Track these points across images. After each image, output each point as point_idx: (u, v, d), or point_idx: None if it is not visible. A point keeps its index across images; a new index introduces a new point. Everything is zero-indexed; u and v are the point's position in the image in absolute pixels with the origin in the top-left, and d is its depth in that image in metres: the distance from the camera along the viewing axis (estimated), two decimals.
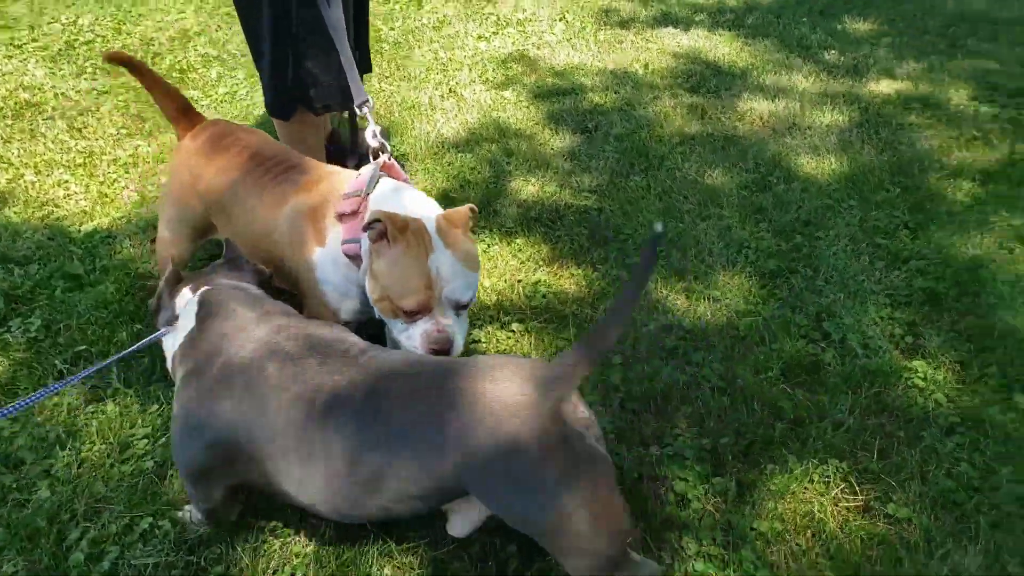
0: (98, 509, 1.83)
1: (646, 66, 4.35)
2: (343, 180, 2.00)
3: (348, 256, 1.88)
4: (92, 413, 2.08)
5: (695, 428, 2.12)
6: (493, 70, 4.30)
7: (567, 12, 5.13)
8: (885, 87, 4.07)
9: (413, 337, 1.78)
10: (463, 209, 1.81)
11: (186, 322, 1.70)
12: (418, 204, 1.87)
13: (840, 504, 1.92)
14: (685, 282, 2.67)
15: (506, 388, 1.37)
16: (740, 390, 2.22)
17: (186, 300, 1.76)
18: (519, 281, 2.68)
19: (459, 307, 1.79)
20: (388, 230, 1.72)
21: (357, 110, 2.20)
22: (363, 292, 1.91)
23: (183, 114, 2.27)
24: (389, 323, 1.85)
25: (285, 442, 1.47)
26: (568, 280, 2.69)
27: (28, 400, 1.53)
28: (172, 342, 1.72)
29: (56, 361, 2.20)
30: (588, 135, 3.64)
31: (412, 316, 1.76)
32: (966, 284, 2.62)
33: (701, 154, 3.45)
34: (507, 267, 2.73)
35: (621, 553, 1.47)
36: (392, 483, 1.41)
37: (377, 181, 1.93)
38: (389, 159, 2.05)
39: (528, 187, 3.20)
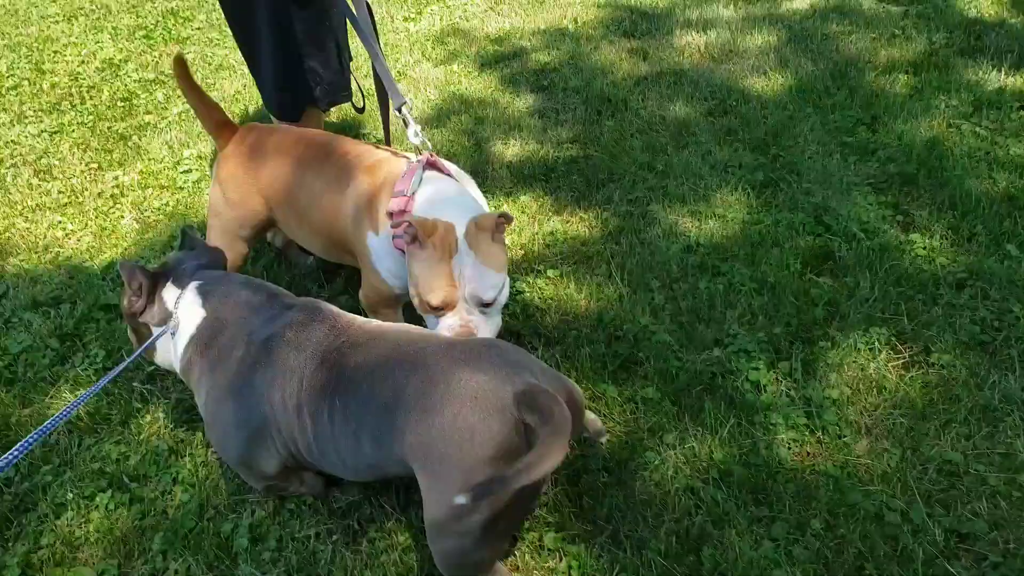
0: (239, 500, 1.90)
1: (575, 20, 4.53)
2: (399, 166, 2.09)
3: (398, 249, 2.00)
4: (188, 423, 2.12)
5: (746, 326, 2.34)
6: (432, 48, 4.39)
7: None
8: (799, 4, 4.40)
9: (441, 331, 1.88)
10: (492, 215, 1.91)
11: (191, 315, 1.75)
12: (456, 206, 1.95)
13: (891, 364, 2.18)
14: (689, 205, 2.88)
15: (500, 387, 1.43)
16: (772, 287, 2.46)
17: (176, 296, 1.79)
18: (535, 233, 2.83)
19: (483, 305, 1.89)
20: (419, 234, 1.85)
21: (396, 112, 2.26)
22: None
23: (225, 125, 2.31)
24: (424, 317, 1.98)
25: (299, 403, 1.60)
26: (581, 224, 2.86)
27: (39, 432, 1.45)
28: (182, 336, 1.76)
29: (135, 384, 2.22)
30: (547, 92, 3.80)
31: (438, 311, 1.88)
32: (930, 163, 2.94)
33: (659, 91, 3.67)
34: (520, 223, 2.86)
35: (488, 564, 1.61)
36: (371, 450, 1.54)
37: (421, 179, 2.02)
38: (432, 155, 2.12)
39: (510, 149, 3.34)
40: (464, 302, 1.87)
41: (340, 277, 2.70)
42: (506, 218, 1.91)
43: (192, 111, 2.38)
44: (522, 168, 3.20)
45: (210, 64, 4.52)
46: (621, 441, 2.03)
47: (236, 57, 4.44)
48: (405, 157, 2.16)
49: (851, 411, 2.06)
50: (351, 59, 2.89)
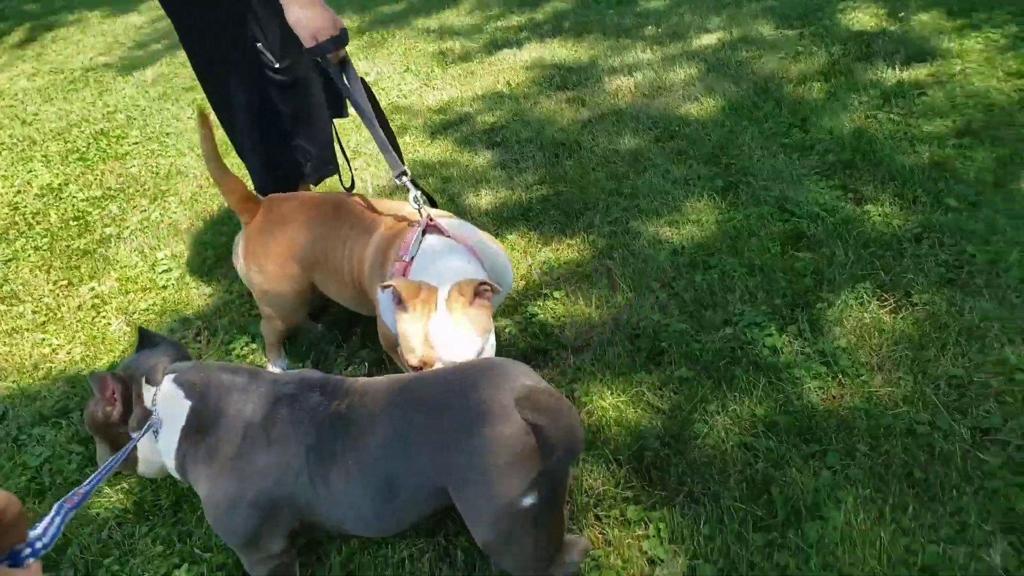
0: (315, 542, 2.00)
1: (508, 83, 4.92)
2: (411, 227, 2.25)
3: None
4: None
5: (748, 304, 2.62)
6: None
7: (408, 64, 5.61)
8: (707, 40, 4.92)
9: None
10: (473, 281, 1.97)
11: (176, 408, 1.73)
12: (447, 271, 2.04)
13: (881, 310, 2.49)
14: (664, 217, 3.19)
15: (498, 394, 1.56)
16: (761, 268, 2.76)
17: (153, 393, 1.76)
18: (530, 265, 3.07)
19: None
20: (402, 297, 1.97)
21: (397, 180, 2.36)
22: None
23: (249, 199, 2.46)
24: None
25: (311, 470, 1.65)
26: (570, 250, 3.13)
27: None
28: (168, 432, 1.73)
29: None
30: (502, 146, 4.12)
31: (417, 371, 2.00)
32: (862, 148, 3.37)
33: (605, 129, 4.04)
34: (513, 258, 3.10)
35: (552, 553, 1.72)
36: (404, 490, 1.62)
37: (420, 244, 2.16)
38: (429, 219, 2.23)
39: (483, 199, 3.61)
40: (441, 363, 1.93)
41: (356, 335, 2.85)
42: (490, 287, 1.98)
43: (216, 186, 2.53)
44: (500, 213, 3.46)
45: (158, 174, 4.64)
46: (669, 419, 2.25)
47: (183, 161, 4.61)
48: (419, 218, 2.26)
49: (861, 354, 2.34)
50: (345, 115, 3.08)
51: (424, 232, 2.17)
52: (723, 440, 2.15)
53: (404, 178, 2.34)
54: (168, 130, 5.16)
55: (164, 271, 3.52)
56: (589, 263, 3.00)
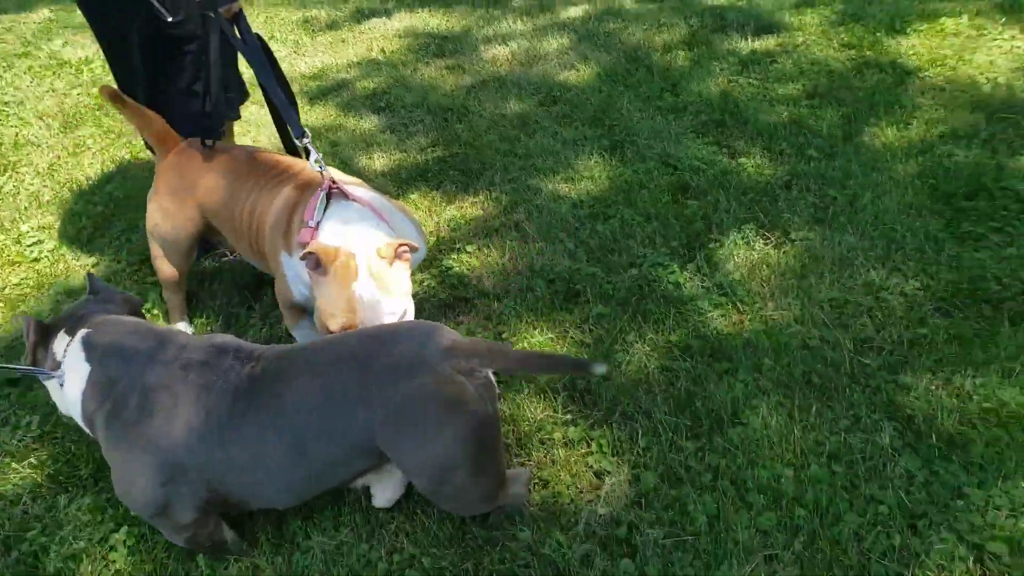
0: None
1: (383, 51, 4.93)
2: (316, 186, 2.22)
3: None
4: None
5: (649, 247, 2.86)
6: (255, 93, 4.54)
7: (271, 31, 5.46)
8: (574, 12, 5.16)
9: None
10: (393, 243, 1.99)
11: (77, 366, 1.73)
12: (357, 235, 2.03)
13: (766, 247, 2.81)
14: (560, 174, 3.38)
15: (410, 350, 1.63)
16: (655, 216, 3.02)
17: (65, 344, 1.77)
18: (437, 223, 3.16)
19: None
20: (321, 261, 1.94)
21: (297, 142, 2.32)
22: None
23: (166, 136, 2.43)
24: None
25: (221, 436, 1.65)
26: (474, 207, 3.25)
27: None
28: (71, 389, 1.74)
29: None
30: (387, 111, 4.15)
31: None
32: (729, 108, 3.72)
33: (489, 95, 4.17)
34: (420, 218, 3.18)
35: (495, 491, 1.81)
36: (317, 451, 1.64)
37: (325, 208, 2.12)
38: (332, 183, 2.17)
39: (376, 162, 3.65)
40: (363, 326, 1.93)
41: (267, 296, 2.83)
42: (408, 247, 2.00)
43: (133, 128, 2.43)
44: (396, 174, 3.52)
45: (2, 144, 4.28)
46: (594, 351, 2.44)
47: (30, 132, 4.28)
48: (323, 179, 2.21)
49: (753, 285, 2.64)
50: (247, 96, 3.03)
51: (328, 196, 2.13)
52: (645, 365, 2.37)
53: (305, 140, 2.28)
54: (6, 99, 4.74)
55: (33, 243, 3.29)
56: (496, 218, 3.13)
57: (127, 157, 3.89)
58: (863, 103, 3.61)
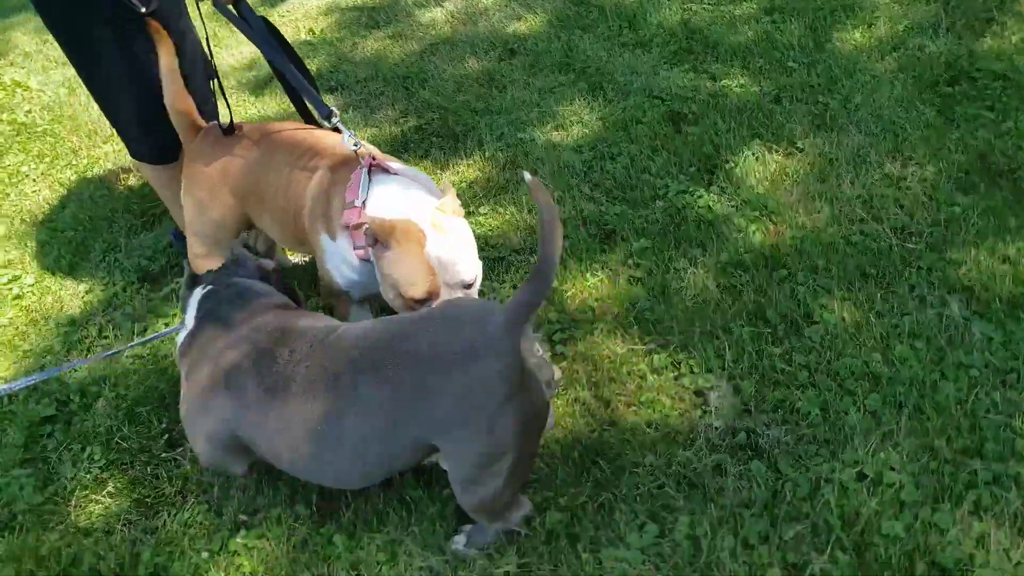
0: None
1: (312, 31, 4.85)
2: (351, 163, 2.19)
3: (362, 260, 2.11)
4: None
5: (667, 177, 2.98)
6: None
7: None
8: None
9: None
10: (449, 199, 2.00)
11: (190, 321, 1.94)
12: (409, 202, 2.03)
13: (778, 156, 2.97)
14: (548, 123, 3.46)
15: (468, 334, 1.60)
16: (660, 148, 3.14)
17: (194, 299, 1.97)
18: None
19: (466, 286, 1.99)
20: (379, 236, 1.93)
21: (326, 121, 2.30)
22: (368, 273, 2.15)
23: (194, 126, 2.37)
24: None
25: (271, 428, 1.73)
26: (472, 169, 3.29)
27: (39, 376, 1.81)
28: (180, 338, 1.96)
29: None
30: (343, 89, 4.11)
31: (423, 303, 1.95)
32: (694, 36, 3.87)
33: (444, 58, 4.19)
34: None
35: (517, 495, 1.80)
36: (374, 448, 1.67)
37: (368, 185, 2.10)
38: (372, 158, 2.16)
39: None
40: (447, 288, 1.95)
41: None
42: (459, 202, 2.03)
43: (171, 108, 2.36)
44: (379, 148, 3.50)
45: None
46: (650, 282, 2.54)
47: None
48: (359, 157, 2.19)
49: (779, 196, 2.80)
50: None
51: (369, 172, 2.11)
52: (706, 287, 2.49)
53: (334, 119, 2.26)
54: None
55: (9, 281, 3.12)
56: (499, 176, 3.18)
57: (73, 177, 3.72)
58: (823, 11, 3.82)
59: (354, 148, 2.17)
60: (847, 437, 1.98)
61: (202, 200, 2.36)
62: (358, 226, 2.03)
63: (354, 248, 2.08)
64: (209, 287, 1.97)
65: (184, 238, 2.95)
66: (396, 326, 1.73)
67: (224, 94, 2.47)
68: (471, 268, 2.00)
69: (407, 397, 1.60)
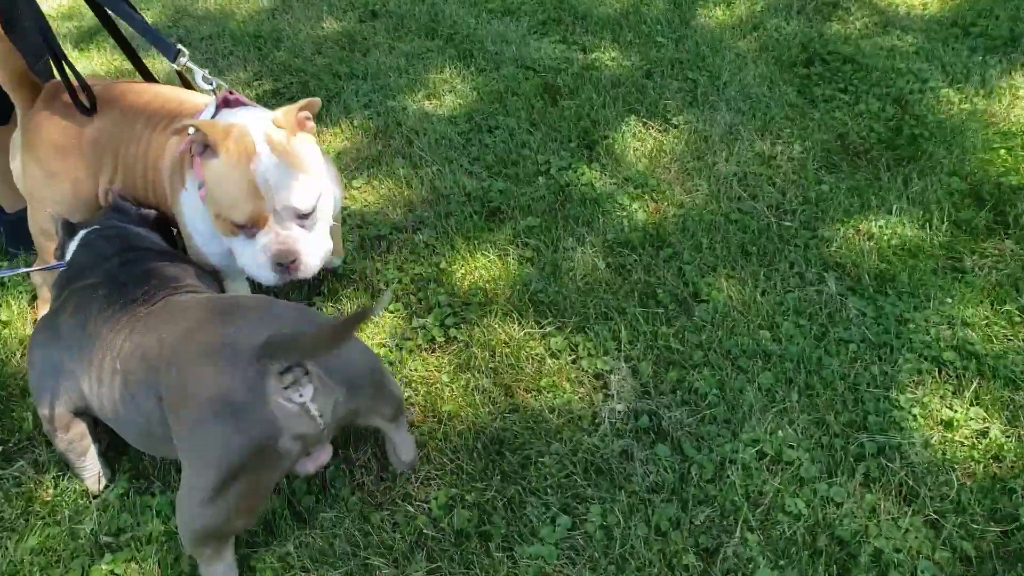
0: None
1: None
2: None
3: (204, 201, 1.88)
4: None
5: (548, 153, 2.93)
6: None
7: None
8: None
9: (257, 256, 1.78)
10: (292, 108, 1.76)
11: (68, 260, 1.91)
12: (249, 114, 1.82)
13: (652, 135, 2.99)
14: (418, 92, 3.30)
15: (223, 334, 1.48)
16: (536, 124, 3.07)
17: (73, 242, 1.94)
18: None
19: (300, 216, 1.77)
20: (208, 140, 1.70)
21: (174, 65, 2.07)
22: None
23: (25, 80, 2.03)
24: (235, 249, 1.84)
25: (89, 374, 1.67)
26: (338, 138, 3.10)
27: None
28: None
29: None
30: (183, 45, 3.73)
31: (248, 231, 1.76)
32: (562, 6, 3.82)
33: (298, 16, 3.91)
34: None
35: (215, 527, 1.55)
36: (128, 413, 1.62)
37: (213, 115, 1.89)
38: (230, 92, 1.95)
39: None
40: (276, 215, 1.75)
41: None
42: (308, 113, 1.78)
43: None
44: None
45: None
46: (539, 261, 2.48)
47: None
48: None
49: (658, 172, 2.82)
50: None
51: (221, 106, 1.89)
52: (595, 266, 2.47)
53: (183, 59, 2.04)
54: None
55: None
56: (371, 147, 3.01)
57: None
58: None
59: (210, 88, 1.98)
60: (745, 415, 2.02)
61: (53, 170, 2.04)
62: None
63: (199, 187, 1.83)
64: (93, 227, 1.93)
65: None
66: (194, 302, 1.67)
67: (66, 57, 2.12)
68: (307, 194, 1.74)
69: (145, 368, 1.57)
